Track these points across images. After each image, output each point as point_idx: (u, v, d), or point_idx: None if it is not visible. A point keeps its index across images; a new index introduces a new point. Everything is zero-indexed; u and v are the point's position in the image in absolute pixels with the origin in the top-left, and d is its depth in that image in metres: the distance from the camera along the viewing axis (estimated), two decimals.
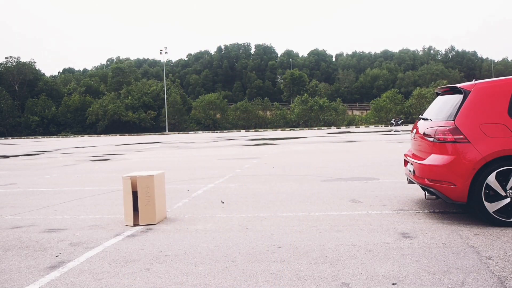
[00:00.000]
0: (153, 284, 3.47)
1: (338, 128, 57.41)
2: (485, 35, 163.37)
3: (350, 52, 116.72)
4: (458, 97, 5.13)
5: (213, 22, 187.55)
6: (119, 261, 4.09)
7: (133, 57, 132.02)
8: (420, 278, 3.37)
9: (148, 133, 64.20)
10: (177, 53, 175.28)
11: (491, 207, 4.72)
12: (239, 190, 7.98)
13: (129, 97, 73.11)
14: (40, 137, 67.04)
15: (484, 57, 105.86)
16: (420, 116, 6.03)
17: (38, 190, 8.97)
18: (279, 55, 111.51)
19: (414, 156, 5.76)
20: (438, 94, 6.14)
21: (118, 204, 6.95)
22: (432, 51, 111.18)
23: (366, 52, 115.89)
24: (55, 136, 67.16)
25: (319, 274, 3.53)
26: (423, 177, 5.15)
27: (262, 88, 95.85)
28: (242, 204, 6.62)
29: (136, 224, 5.49)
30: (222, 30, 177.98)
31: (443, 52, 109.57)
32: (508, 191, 4.69)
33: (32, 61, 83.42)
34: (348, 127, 58.90)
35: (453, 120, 4.92)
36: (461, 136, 4.81)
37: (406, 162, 6.12)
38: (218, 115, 71.40)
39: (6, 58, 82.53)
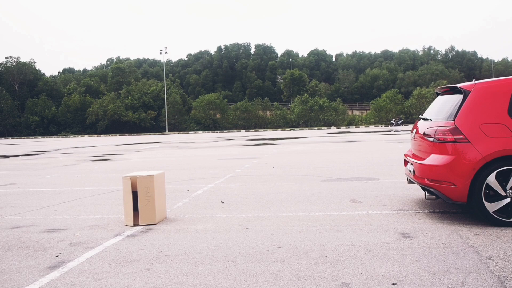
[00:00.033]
0: (153, 284, 3.47)
1: (338, 128, 57.42)
2: (485, 35, 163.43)
3: (350, 52, 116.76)
4: (458, 97, 5.13)
5: (213, 22, 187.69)
6: (119, 261, 4.09)
7: (133, 57, 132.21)
8: (420, 278, 3.37)
9: (148, 133, 64.21)
10: (177, 53, 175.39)
11: (491, 207, 4.72)
12: (239, 190, 7.98)
13: (129, 97, 73.14)
14: (40, 137, 67.05)
15: (484, 57, 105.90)
16: (420, 116, 6.03)
17: (38, 190, 8.98)
18: (279, 55, 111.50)
19: (414, 156, 5.76)
20: (438, 94, 6.14)
21: (118, 204, 6.95)
22: (432, 51, 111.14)
23: (366, 52, 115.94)
24: (55, 136, 67.17)
25: (319, 274, 3.53)
26: (423, 177, 5.15)
27: (262, 88, 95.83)
28: (242, 204, 6.62)
29: (136, 224, 5.49)
30: (222, 30, 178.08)
31: (443, 52, 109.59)
32: (508, 191, 4.69)
33: (32, 61, 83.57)
34: (348, 127, 58.91)
35: (453, 120, 4.92)
36: (461, 136, 4.81)
37: (406, 162, 6.12)
38: (218, 115, 71.42)
39: (6, 58, 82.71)
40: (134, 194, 5.50)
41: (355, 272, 3.55)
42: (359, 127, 59.33)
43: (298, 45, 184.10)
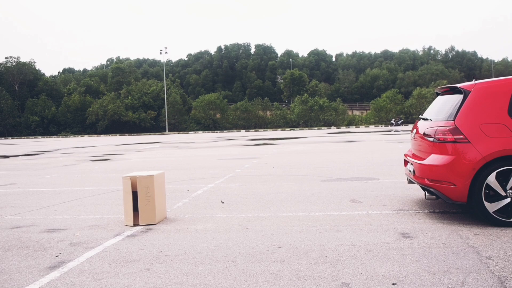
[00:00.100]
0: (153, 284, 3.47)
1: (338, 128, 57.42)
2: (485, 35, 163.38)
3: (350, 52, 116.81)
4: (458, 97, 5.13)
5: (213, 22, 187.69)
6: (119, 261, 4.09)
7: (133, 57, 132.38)
8: (420, 278, 3.37)
9: (148, 133, 64.21)
10: (177, 53, 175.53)
11: (491, 207, 4.72)
12: (239, 190, 7.98)
13: (129, 97, 73.15)
14: (40, 137, 67.05)
15: (484, 57, 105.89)
16: (420, 116, 6.03)
17: (38, 190, 8.98)
18: (279, 55, 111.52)
19: (414, 156, 5.76)
20: (438, 94, 6.14)
21: (118, 204, 6.95)
22: (432, 51, 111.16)
23: (366, 52, 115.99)
24: (55, 136, 67.18)
25: (319, 274, 3.53)
26: (423, 177, 5.15)
27: (262, 88, 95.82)
28: (242, 204, 6.62)
29: (136, 224, 5.49)
30: (222, 30, 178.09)
31: (443, 52, 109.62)
32: (508, 191, 4.69)
33: (32, 61, 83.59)
34: (348, 127, 58.91)
35: (453, 120, 4.92)
36: (461, 136, 4.81)
37: (406, 162, 6.12)
38: (218, 115, 71.42)
39: (6, 58, 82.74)
40: (134, 194, 5.50)
41: (355, 272, 3.55)
42: (359, 127, 59.33)
43: (298, 45, 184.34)
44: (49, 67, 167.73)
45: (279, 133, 47.69)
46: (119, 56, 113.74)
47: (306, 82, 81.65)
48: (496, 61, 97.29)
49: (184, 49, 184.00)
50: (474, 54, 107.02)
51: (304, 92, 74.52)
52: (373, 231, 4.76)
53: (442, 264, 3.65)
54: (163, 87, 71.86)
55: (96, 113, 70.72)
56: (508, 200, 4.69)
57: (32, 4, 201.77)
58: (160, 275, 3.66)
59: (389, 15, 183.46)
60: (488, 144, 4.70)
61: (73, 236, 5.07)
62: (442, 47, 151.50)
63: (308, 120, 67.30)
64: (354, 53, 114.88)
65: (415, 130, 5.90)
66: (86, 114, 71.68)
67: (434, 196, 5.13)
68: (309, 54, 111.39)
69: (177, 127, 70.22)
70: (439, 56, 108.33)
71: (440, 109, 5.48)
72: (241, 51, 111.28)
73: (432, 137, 5.14)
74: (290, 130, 58.48)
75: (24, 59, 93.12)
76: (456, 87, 5.32)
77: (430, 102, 8.02)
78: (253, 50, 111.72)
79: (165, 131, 67.37)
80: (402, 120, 58.72)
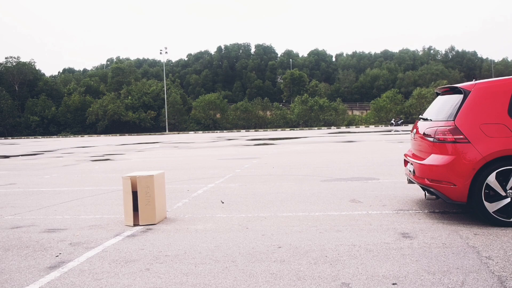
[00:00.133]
0: (153, 284, 3.47)
1: (338, 128, 57.42)
2: (485, 35, 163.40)
3: (350, 52, 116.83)
4: (458, 97, 5.13)
5: (213, 22, 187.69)
6: (119, 261, 4.09)
7: (133, 57, 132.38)
8: (420, 278, 3.37)
9: (148, 133, 64.21)
10: (177, 53, 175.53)
11: (491, 207, 4.72)
12: (239, 190, 7.98)
13: (129, 97, 73.15)
14: (40, 137, 67.05)
15: (484, 57, 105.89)
16: (420, 116, 6.03)
17: (38, 190, 8.98)
18: (279, 55, 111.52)
19: (414, 156, 5.76)
20: (438, 94, 6.14)
21: (118, 204, 6.95)
22: (432, 51, 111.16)
23: (366, 52, 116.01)
24: (55, 136, 67.18)
25: (319, 274, 3.53)
26: (423, 177, 5.15)
27: (262, 88, 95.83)
28: (242, 204, 6.62)
29: (136, 224, 5.49)
30: (222, 30, 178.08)
31: (443, 52, 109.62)
32: (508, 191, 4.69)
33: (32, 61, 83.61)
34: (348, 127, 58.91)
35: (453, 120, 4.92)
36: (461, 136, 4.81)
37: (406, 162, 6.12)
38: (218, 115, 71.43)
39: (6, 58, 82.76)
40: (134, 194, 5.50)
41: (355, 272, 3.55)
42: (359, 127, 59.34)
43: (298, 45, 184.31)
44: (49, 67, 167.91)
45: (279, 133, 47.69)
46: (119, 56, 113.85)
47: (306, 82, 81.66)
48: (496, 61, 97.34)
49: (184, 49, 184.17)
50: (474, 54, 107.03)
51: (304, 92, 74.52)
52: (373, 231, 4.76)
53: (442, 264, 3.65)
54: (163, 87, 71.87)
55: (96, 113, 70.72)
56: (508, 200, 4.69)
57: (32, 4, 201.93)
58: (160, 275, 3.66)
59: (389, 15, 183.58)
60: (488, 144, 4.70)
61: (73, 236, 5.07)
62: (442, 47, 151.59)
63: (308, 120, 67.30)
64: (354, 53, 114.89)
65: (415, 130, 5.90)
66: (86, 114, 71.68)
67: (434, 196, 5.13)
68: (309, 54, 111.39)
69: (177, 127, 70.22)
70: (439, 56, 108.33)
71: (440, 109, 5.48)
72: (241, 51, 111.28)
73: (432, 137, 5.14)
74: (290, 130, 58.48)
75: (24, 59, 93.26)
76: (456, 87, 5.32)
77: (430, 102, 8.01)
78: (253, 50, 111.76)
79: (165, 131, 67.37)
80: (402, 120, 58.72)
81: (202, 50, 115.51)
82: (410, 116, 61.74)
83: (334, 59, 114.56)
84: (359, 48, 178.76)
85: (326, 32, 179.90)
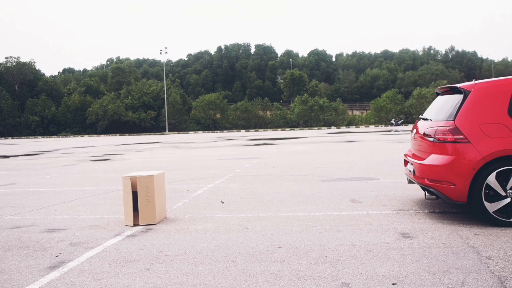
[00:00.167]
0: (153, 284, 3.47)
1: (338, 128, 57.43)
2: (485, 35, 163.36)
3: (350, 52, 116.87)
4: (458, 97, 5.13)
5: (213, 22, 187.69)
6: (119, 261, 4.09)
7: (133, 57, 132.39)
8: (420, 278, 3.37)
9: (148, 133, 64.21)
10: (177, 53, 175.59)
11: (491, 207, 4.72)
12: (239, 190, 7.98)
13: (129, 97, 73.15)
14: (40, 137, 67.05)
15: (484, 57, 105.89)
16: (420, 116, 6.03)
17: (38, 190, 8.98)
18: (279, 55, 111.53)
19: (414, 156, 5.76)
20: (438, 94, 6.14)
21: (118, 204, 6.95)
22: (432, 51, 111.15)
23: (366, 52, 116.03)
24: (55, 136, 67.17)
25: (319, 274, 3.53)
26: (423, 177, 5.15)
27: (262, 88, 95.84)
28: (242, 204, 6.62)
29: (136, 224, 5.49)
30: (222, 30, 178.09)
31: (443, 52, 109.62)
32: (508, 191, 4.69)
33: (32, 61, 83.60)
34: (348, 127, 58.91)
35: (453, 120, 4.92)
36: (461, 136, 4.81)
37: (406, 162, 6.12)
38: (218, 115, 71.43)
39: (6, 58, 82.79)
40: (134, 194, 5.50)
41: (355, 272, 3.55)
42: (359, 127, 59.34)
43: (298, 45, 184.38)
44: (49, 67, 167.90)
45: (279, 133, 47.69)
46: (119, 56, 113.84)
47: (306, 82, 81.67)
48: (496, 61, 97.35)
49: (184, 49, 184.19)
50: (474, 54, 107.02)
51: (304, 92, 74.52)
52: (373, 231, 4.76)
53: (442, 264, 3.65)
54: (163, 87, 71.87)
55: (96, 113, 70.72)
56: (508, 200, 4.69)
57: (32, 4, 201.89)
58: (160, 275, 3.66)
59: (389, 15, 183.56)
60: (488, 144, 4.70)
61: (73, 236, 5.07)
62: (442, 47, 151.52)
63: (308, 120, 67.31)
64: (354, 53, 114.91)
65: (415, 130, 5.90)
66: (86, 114, 71.68)
67: (434, 196, 5.13)
68: (309, 54, 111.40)
69: (177, 127, 70.23)
70: (439, 56, 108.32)
71: (440, 109, 5.48)
72: (241, 51, 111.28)
73: (432, 137, 5.14)
74: (290, 130, 58.48)
75: (24, 59, 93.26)
76: (456, 87, 5.32)
77: (430, 102, 8.01)
78: (253, 50, 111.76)
79: (165, 131, 67.37)
80: (402, 120, 58.73)
81: (202, 50, 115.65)
82: (410, 116, 61.74)
83: (334, 59, 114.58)
84: (359, 48, 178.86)
85: (326, 32, 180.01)
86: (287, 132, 48.28)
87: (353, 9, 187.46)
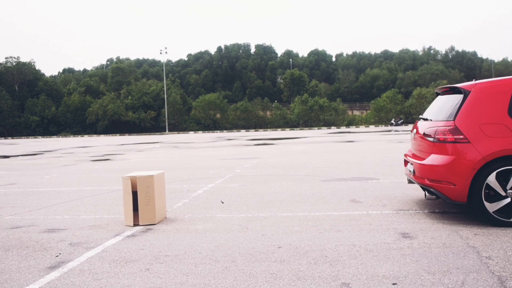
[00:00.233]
0: (153, 284, 3.47)
1: (338, 128, 57.43)
2: (485, 35, 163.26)
3: (350, 52, 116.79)
4: (458, 97, 5.13)
5: (213, 22, 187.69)
6: (119, 261, 4.09)
7: (133, 57, 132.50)
8: (420, 278, 3.37)
9: (148, 133, 64.22)
10: (177, 53, 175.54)
11: (491, 207, 4.72)
12: (239, 190, 7.98)
13: (129, 97, 73.16)
14: (40, 137, 67.05)
15: (484, 57, 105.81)
16: (420, 116, 6.03)
17: (38, 190, 8.98)
18: (279, 55, 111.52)
19: (414, 156, 5.76)
20: (438, 94, 6.14)
21: (118, 204, 6.95)
22: (432, 51, 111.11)
23: (366, 52, 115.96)
24: (55, 136, 67.18)
25: (319, 274, 3.53)
26: (423, 177, 5.15)
27: (262, 88, 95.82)
28: (242, 204, 6.62)
29: (136, 224, 5.49)
30: (222, 30, 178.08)
31: (443, 52, 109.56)
32: (508, 191, 4.69)
33: (32, 61, 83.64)
34: (348, 127, 58.92)
35: (453, 120, 4.92)
36: (461, 136, 4.81)
37: (406, 162, 6.12)
38: (218, 115, 71.45)
39: (6, 58, 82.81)
40: (134, 194, 5.50)
41: (355, 272, 3.55)
42: (359, 127, 59.34)
43: (298, 45, 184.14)
44: (49, 67, 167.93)
45: (279, 133, 47.69)
46: (119, 56, 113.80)
47: (306, 82, 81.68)
48: (496, 61, 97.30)
49: (184, 49, 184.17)
50: (474, 54, 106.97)
51: (304, 92, 74.53)
52: (373, 231, 4.76)
53: (442, 264, 3.65)
54: (163, 87, 71.87)
55: (96, 113, 70.72)
56: (508, 200, 4.69)
57: (32, 3, 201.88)
58: (160, 275, 3.66)
59: (389, 15, 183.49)
60: (488, 144, 4.70)
61: (73, 236, 5.07)
62: (442, 47, 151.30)
63: (308, 120, 67.32)
64: (354, 53, 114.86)
65: (415, 130, 5.90)
66: (86, 114, 71.68)
67: (434, 196, 5.13)
68: (309, 54, 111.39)
69: (177, 127, 70.23)
70: (439, 56, 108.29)
71: (440, 109, 5.48)
72: (241, 51, 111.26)
73: (432, 137, 5.14)
74: (290, 130, 58.49)
75: (24, 59, 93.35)
76: (456, 87, 5.32)
77: (430, 102, 8.01)
78: (253, 50, 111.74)
79: (165, 131, 67.38)
80: (402, 120, 58.73)
81: (202, 50, 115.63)
82: (410, 116, 61.74)
83: (334, 59, 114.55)
84: (359, 48, 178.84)
85: (326, 32, 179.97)
86: (287, 132, 48.28)
87: (353, 9, 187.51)
